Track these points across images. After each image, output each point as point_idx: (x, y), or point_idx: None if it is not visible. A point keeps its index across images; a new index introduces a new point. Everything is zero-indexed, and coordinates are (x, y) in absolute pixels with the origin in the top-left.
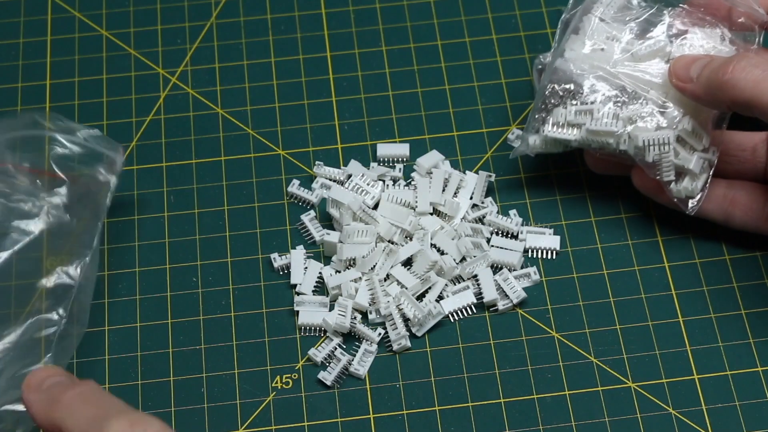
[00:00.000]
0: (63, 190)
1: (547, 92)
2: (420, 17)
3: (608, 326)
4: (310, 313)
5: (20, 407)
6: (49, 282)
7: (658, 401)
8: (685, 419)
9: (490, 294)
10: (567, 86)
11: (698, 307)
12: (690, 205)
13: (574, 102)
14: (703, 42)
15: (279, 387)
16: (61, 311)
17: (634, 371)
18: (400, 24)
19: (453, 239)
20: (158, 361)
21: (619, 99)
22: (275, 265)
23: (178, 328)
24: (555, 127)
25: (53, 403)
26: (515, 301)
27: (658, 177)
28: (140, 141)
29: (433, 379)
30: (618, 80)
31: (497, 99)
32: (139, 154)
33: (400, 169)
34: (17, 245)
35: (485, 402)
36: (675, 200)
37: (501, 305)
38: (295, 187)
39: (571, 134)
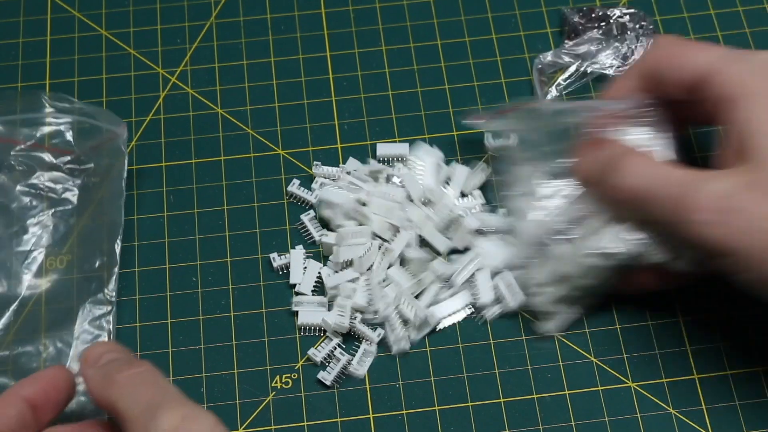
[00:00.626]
0: (85, 165)
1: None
2: (420, 17)
3: (608, 326)
4: (309, 313)
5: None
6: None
7: (658, 401)
8: (685, 419)
9: (487, 296)
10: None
11: (698, 307)
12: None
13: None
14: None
15: (279, 387)
16: (111, 288)
17: (634, 371)
18: (400, 24)
19: (440, 231)
20: (158, 361)
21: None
22: (274, 264)
23: (178, 328)
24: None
25: (109, 380)
26: (513, 305)
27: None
28: (140, 141)
29: (432, 378)
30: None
31: (497, 99)
32: (139, 154)
33: (398, 168)
34: (57, 232)
35: (485, 402)
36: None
37: (489, 313)
38: (295, 187)
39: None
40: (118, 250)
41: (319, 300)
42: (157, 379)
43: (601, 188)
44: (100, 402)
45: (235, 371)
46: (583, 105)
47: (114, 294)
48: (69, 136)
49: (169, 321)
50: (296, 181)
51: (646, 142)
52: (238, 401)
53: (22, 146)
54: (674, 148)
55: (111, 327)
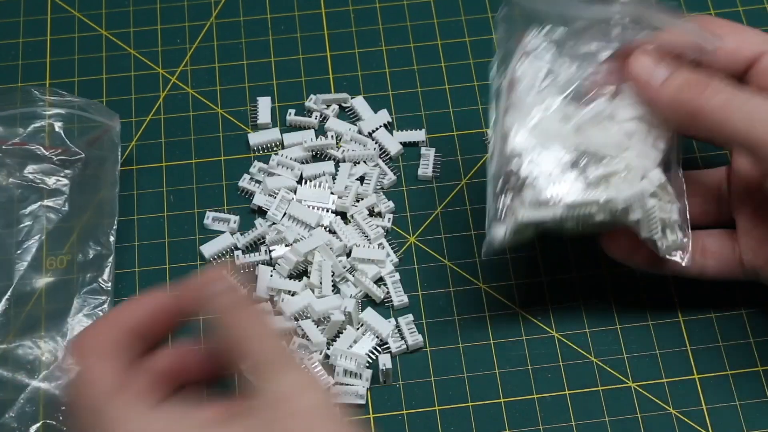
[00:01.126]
0: (78, 163)
1: (503, 178)
2: (420, 17)
3: (608, 326)
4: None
5: None
6: (85, 255)
7: (658, 401)
8: (685, 419)
9: (385, 330)
10: (529, 160)
11: (698, 307)
12: (685, 259)
13: (538, 177)
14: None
15: None
16: (105, 278)
17: (634, 371)
18: (400, 24)
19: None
20: None
21: (579, 164)
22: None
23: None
24: (528, 208)
25: (238, 308)
26: (411, 343)
27: (645, 236)
28: (140, 141)
29: (432, 379)
30: (574, 145)
31: None
32: (139, 154)
33: (332, 136)
34: (51, 224)
35: (485, 402)
36: (666, 257)
37: (395, 347)
38: (245, 182)
39: (548, 212)
40: (112, 240)
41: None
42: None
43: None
44: (222, 330)
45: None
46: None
47: (110, 284)
48: (62, 130)
49: None
50: (246, 176)
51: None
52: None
53: (17, 140)
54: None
55: None
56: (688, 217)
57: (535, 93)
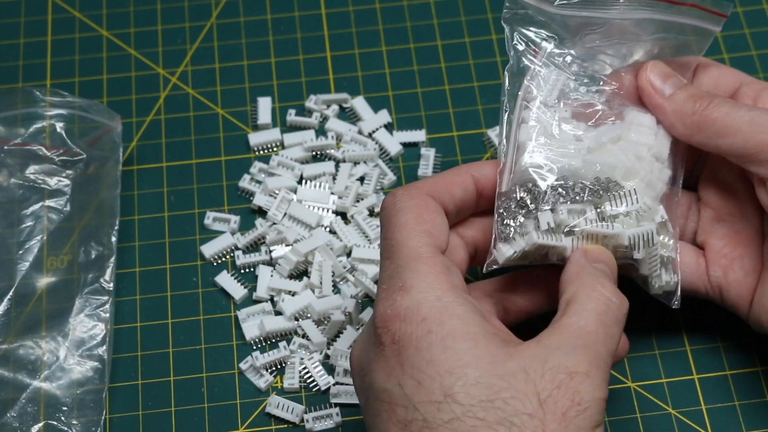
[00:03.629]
0: (79, 163)
1: (514, 196)
2: (420, 17)
3: None
4: (254, 326)
5: None
6: (87, 256)
7: (658, 401)
8: (685, 419)
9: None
10: (548, 182)
11: (698, 307)
12: (676, 302)
13: (558, 201)
14: (641, 120)
15: (279, 387)
16: (107, 278)
17: (634, 371)
18: (400, 24)
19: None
20: (158, 361)
21: (595, 190)
22: (238, 262)
23: (178, 328)
24: (540, 232)
25: (589, 274)
26: (322, 387)
27: (644, 277)
28: (140, 141)
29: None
30: (587, 172)
31: (497, 99)
32: (140, 154)
33: (333, 136)
34: (53, 225)
35: None
36: (655, 294)
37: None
38: (246, 182)
39: (561, 240)
40: (114, 240)
41: (260, 308)
42: (611, 326)
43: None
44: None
45: (236, 371)
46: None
47: (111, 284)
48: (63, 131)
49: (169, 321)
50: (246, 176)
51: (647, 126)
52: (238, 401)
53: (18, 141)
54: (670, 145)
55: (108, 317)
56: (677, 253)
57: (549, 108)
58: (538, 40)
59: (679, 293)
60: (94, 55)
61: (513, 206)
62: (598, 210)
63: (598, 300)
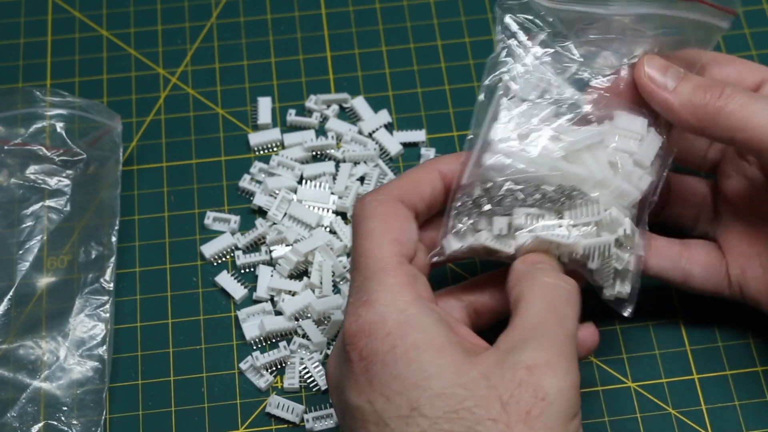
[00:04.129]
0: (79, 163)
1: (471, 192)
2: (420, 17)
3: (609, 326)
4: (254, 326)
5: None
6: (88, 255)
7: (658, 401)
8: (685, 419)
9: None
10: (507, 185)
11: (698, 307)
12: (628, 311)
13: (515, 205)
14: (630, 125)
15: (279, 387)
16: (107, 278)
17: (634, 371)
18: (400, 24)
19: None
20: (158, 361)
21: (555, 198)
22: (238, 262)
23: (178, 328)
24: (491, 236)
25: (540, 276)
26: (322, 387)
27: (596, 283)
28: (140, 141)
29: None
30: (552, 179)
31: None
32: (140, 154)
33: (333, 136)
34: (53, 225)
35: None
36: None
37: None
38: (246, 182)
39: (511, 246)
40: (114, 240)
41: (261, 308)
42: (562, 308)
43: (703, 113)
44: (512, 278)
45: (236, 371)
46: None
47: (111, 284)
48: (63, 131)
49: (169, 321)
50: (247, 176)
51: (635, 132)
52: (238, 401)
53: (18, 141)
54: (657, 150)
55: (109, 317)
56: (640, 269)
57: (527, 106)
58: (528, 30)
59: (633, 303)
60: (94, 55)
61: (469, 203)
62: (558, 216)
63: (542, 289)
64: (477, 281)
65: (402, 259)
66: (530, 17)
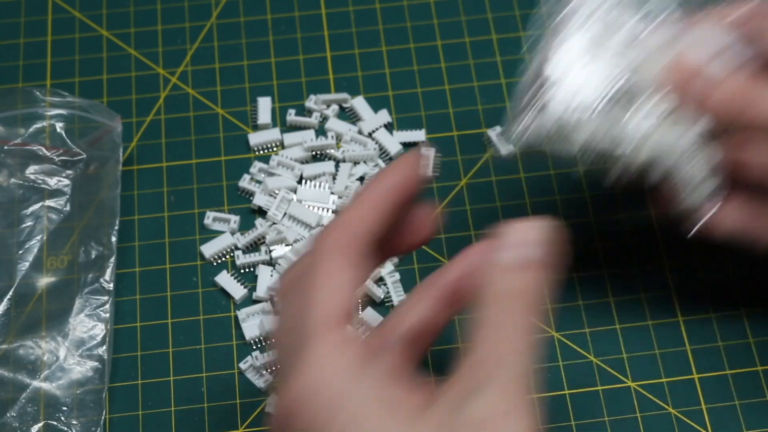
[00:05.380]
0: (79, 163)
1: (536, 86)
2: (420, 17)
3: (608, 326)
4: (254, 326)
5: None
6: (87, 255)
7: (658, 401)
8: (685, 419)
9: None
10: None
11: (698, 307)
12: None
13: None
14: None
15: None
16: (107, 278)
17: (634, 371)
18: (400, 24)
19: None
20: (158, 361)
21: (626, 94)
22: (237, 262)
23: (178, 328)
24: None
25: (514, 302)
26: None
27: (670, 188)
28: (140, 141)
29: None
30: (622, 69)
31: (497, 99)
32: (140, 154)
33: (333, 136)
34: (53, 225)
35: None
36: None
37: None
38: (246, 182)
39: (582, 136)
40: (114, 240)
41: (261, 308)
42: (522, 331)
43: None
44: (479, 307)
45: (236, 371)
46: None
47: (111, 284)
48: (63, 131)
49: (169, 321)
50: (246, 176)
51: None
52: (238, 401)
53: (18, 141)
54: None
55: (109, 317)
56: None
57: (594, 20)
58: None
59: (701, 223)
60: (94, 55)
61: (528, 100)
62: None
63: (502, 302)
64: (399, 311)
65: (339, 318)
66: None
